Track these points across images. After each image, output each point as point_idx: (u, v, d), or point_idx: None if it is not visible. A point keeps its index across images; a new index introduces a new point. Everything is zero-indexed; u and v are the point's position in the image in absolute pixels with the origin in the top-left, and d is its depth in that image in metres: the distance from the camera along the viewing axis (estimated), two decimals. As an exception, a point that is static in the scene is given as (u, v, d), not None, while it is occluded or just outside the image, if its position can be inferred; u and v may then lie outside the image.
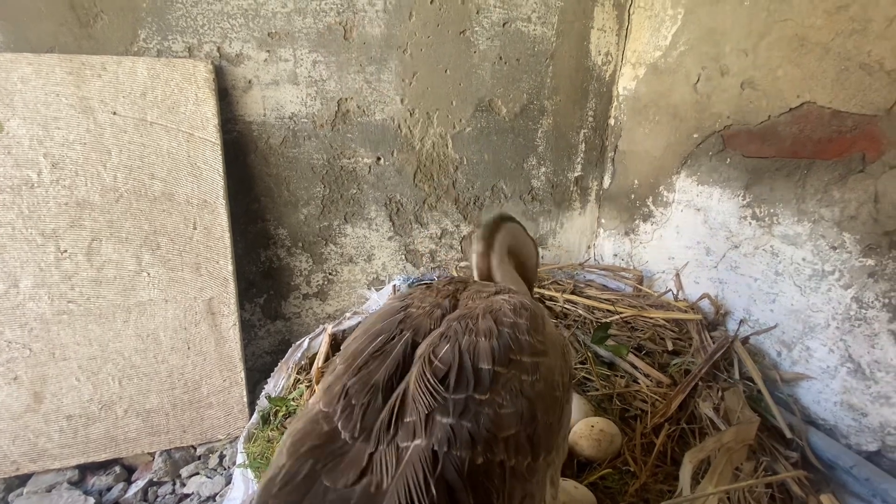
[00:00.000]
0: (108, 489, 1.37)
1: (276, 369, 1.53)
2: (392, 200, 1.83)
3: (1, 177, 1.28)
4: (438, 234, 1.94)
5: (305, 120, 1.63)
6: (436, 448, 0.55)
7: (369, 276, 1.88)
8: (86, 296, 1.36)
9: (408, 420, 0.59)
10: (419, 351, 0.68)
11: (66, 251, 1.34)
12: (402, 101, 1.73)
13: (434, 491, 0.51)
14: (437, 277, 1.90)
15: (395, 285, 1.76)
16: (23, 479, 1.36)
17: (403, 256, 1.92)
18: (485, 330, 0.69)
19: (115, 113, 1.36)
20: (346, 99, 1.66)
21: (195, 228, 1.45)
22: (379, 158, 1.76)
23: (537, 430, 0.63)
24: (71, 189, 1.33)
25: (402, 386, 0.63)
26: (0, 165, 1.28)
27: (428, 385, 0.61)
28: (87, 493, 1.34)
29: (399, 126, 1.75)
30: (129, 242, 1.39)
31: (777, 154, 1.40)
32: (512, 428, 0.60)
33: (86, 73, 1.33)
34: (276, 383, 1.50)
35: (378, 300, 1.75)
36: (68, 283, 1.35)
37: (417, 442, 0.56)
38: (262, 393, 1.45)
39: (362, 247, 1.83)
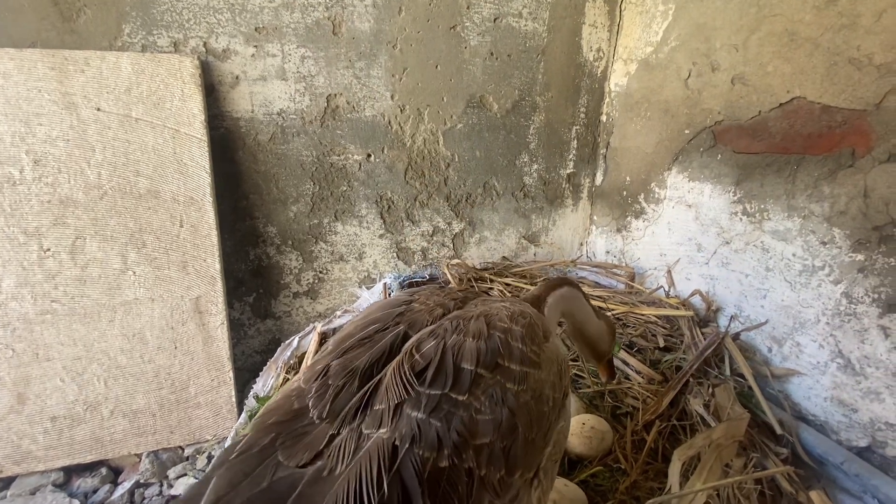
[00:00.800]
0: (94, 491, 1.35)
1: (264, 368, 1.51)
2: (383, 198, 1.81)
3: (-18, 174, 1.26)
4: (430, 231, 1.93)
5: (294, 116, 1.61)
6: (397, 443, 0.53)
7: (360, 275, 1.86)
8: (70, 295, 1.34)
9: (377, 408, 0.58)
10: (406, 345, 0.67)
11: (49, 250, 1.32)
12: (392, 97, 1.71)
13: (386, 488, 0.49)
14: (429, 276, 1.89)
15: (385, 283, 1.75)
16: (6, 482, 1.34)
17: (395, 254, 1.90)
18: (474, 331, 0.68)
19: (98, 109, 1.33)
20: (336, 95, 1.65)
21: (182, 226, 1.43)
22: (369, 155, 1.75)
23: (516, 443, 0.60)
24: (54, 186, 1.31)
25: (381, 375, 0.62)
26: (-19, 162, 1.26)
27: (403, 377, 0.60)
28: (72, 495, 1.32)
29: (389, 122, 1.74)
30: (115, 241, 1.37)
31: (767, 149, 1.40)
32: (487, 436, 0.58)
33: (69, 69, 1.30)
34: (264, 382, 1.48)
35: (369, 298, 1.74)
36: (52, 282, 1.32)
37: (381, 432, 0.55)
38: (251, 392, 1.44)
39: (353, 245, 1.82)
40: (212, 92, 1.50)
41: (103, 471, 1.39)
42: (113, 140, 1.35)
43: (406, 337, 0.69)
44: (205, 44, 1.47)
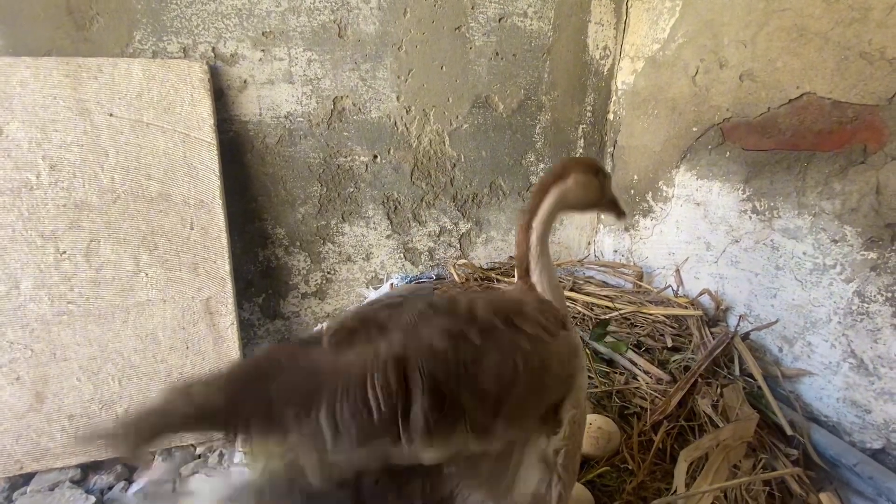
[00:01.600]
0: (110, 488, 1.38)
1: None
2: (389, 199, 1.82)
3: (1, 179, 1.30)
4: (437, 231, 1.94)
5: (301, 119, 1.63)
6: (409, 354, 0.55)
7: (368, 275, 1.88)
8: (85, 296, 1.37)
9: (391, 333, 0.60)
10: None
11: (65, 252, 1.36)
12: (398, 98, 1.72)
13: (393, 380, 0.52)
14: (436, 276, 1.90)
15: (393, 284, 1.76)
16: (26, 478, 1.38)
17: (402, 255, 1.92)
18: (488, 296, 0.70)
19: (111, 114, 1.37)
20: (342, 97, 1.66)
21: (192, 228, 1.45)
22: (376, 156, 1.76)
23: (510, 396, 0.60)
24: (69, 191, 1.35)
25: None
26: (0, 168, 1.29)
27: (420, 310, 0.63)
28: (88, 491, 1.35)
29: (395, 123, 1.75)
30: (127, 243, 1.40)
31: (777, 146, 1.38)
32: (486, 382, 0.58)
33: (82, 76, 1.34)
34: (274, 382, 1.50)
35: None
36: (68, 283, 1.36)
37: (393, 336, 0.58)
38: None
39: (360, 245, 1.83)
40: (221, 96, 1.52)
41: (118, 468, 1.42)
42: (125, 145, 1.38)
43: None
44: (213, 49, 1.49)
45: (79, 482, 1.39)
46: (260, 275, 1.73)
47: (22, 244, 1.32)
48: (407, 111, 1.75)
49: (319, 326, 1.66)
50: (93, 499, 1.32)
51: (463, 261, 1.93)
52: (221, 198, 1.47)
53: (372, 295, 1.75)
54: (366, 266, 1.87)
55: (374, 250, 1.86)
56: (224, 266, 1.48)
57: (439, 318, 0.62)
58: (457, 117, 1.81)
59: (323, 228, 1.76)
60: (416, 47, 1.69)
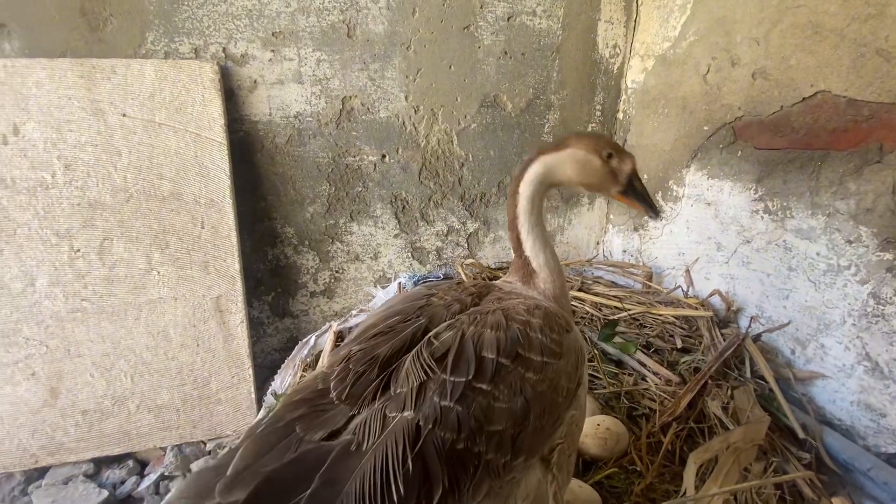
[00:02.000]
0: (122, 482, 1.40)
1: (282, 366, 1.55)
2: (398, 198, 1.83)
3: (17, 178, 1.32)
4: (445, 231, 1.94)
5: (310, 119, 1.64)
6: (420, 423, 0.56)
7: (376, 274, 1.88)
8: (98, 294, 1.40)
9: (398, 391, 0.60)
10: (426, 337, 0.69)
11: (79, 250, 1.38)
12: (406, 98, 1.73)
13: (410, 464, 0.53)
14: (444, 276, 1.90)
15: (400, 283, 1.77)
16: (41, 472, 1.41)
17: (410, 254, 1.92)
18: (493, 322, 0.69)
19: (124, 115, 1.39)
20: (351, 97, 1.67)
21: (203, 227, 1.47)
22: (384, 156, 1.76)
23: (525, 431, 0.62)
24: (83, 190, 1.37)
25: (399, 363, 0.65)
26: (17, 168, 1.32)
27: (423, 363, 0.62)
28: (101, 486, 1.37)
29: (404, 123, 1.75)
30: (140, 242, 1.42)
31: (790, 146, 1.36)
32: (501, 424, 0.60)
33: (96, 77, 1.36)
34: (282, 380, 1.52)
35: (384, 297, 1.76)
36: (82, 281, 1.38)
37: (405, 414, 0.58)
38: (269, 389, 1.47)
39: (368, 245, 1.84)
40: (231, 96, 1.54)
41: (130, 463, 1.45)
42: (138, 144, 1.40)
43: (427, 329, 0.71)
44: (224, 49, 1.51)
45: (92, 476, 1.41)
46: (269, 273, 1.74)
47: (38, 242, 1.35)
48: (415, 111, 1.75)
49: (328, 325, 1.66)
50: (105, 493, 1.34)
51: (471, 260, 1.92)
52: (232, 197, 1.48)
53: (380, 294, 1.76)
54: (374, 265, 1.87)
55: (381, 249, 1.87)
56: (234, 264, 1.50)
57: (445, 372, 0.62)
58: (465, 117, 1.81)
59: (331, 227, 1.77)
60: (425, 47, 1.69)
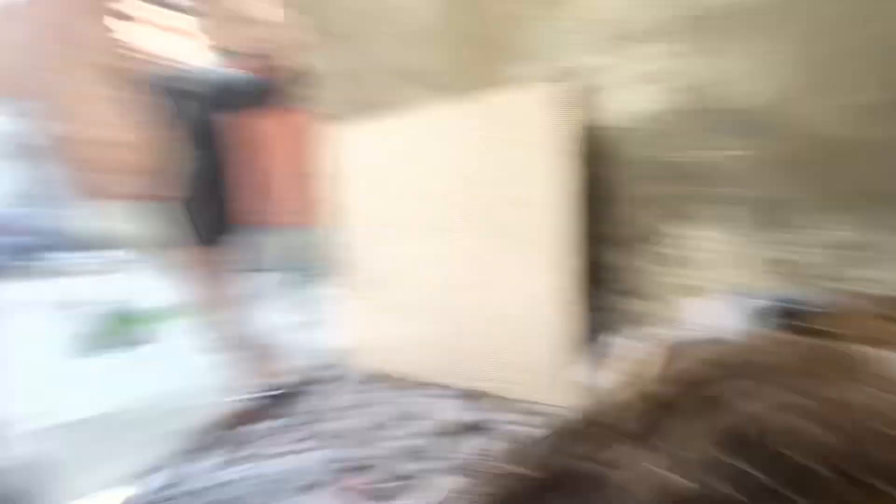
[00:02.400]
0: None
1: (597, 363, 1.62)
2: (752, 198, 1.50)
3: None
4: (828, 242, 1.46)
5: (655, 118, 1.57)
6: None
7: (707, 285, 1.64)
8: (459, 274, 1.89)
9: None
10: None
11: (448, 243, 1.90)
12: (770, 79, 1.37)
13: None
14: (813, 302, 1.45)
15: (739, 301, 1.48)
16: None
17: (764, 268, 1.56)
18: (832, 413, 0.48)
19: (481, 136, 1.76)
20: (699, 88, 1.48)
21: (545, 229, 1.69)
22: (742, 150, 1.49)
23: None
24: (452, 195, 1.86)
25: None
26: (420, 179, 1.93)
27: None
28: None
29: (769, 109, 1.41)
30: (490, 240, 1.80)
31: None
32: None
33: (467, 108, 1.78)
34: (595, 376, 1.60)
35: (715, 313, 1.52)
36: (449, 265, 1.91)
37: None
38: (584, 383, 1.59)
39: (703, 250, 1.62)
40: (576, 107, 1.65)
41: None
42: (492, 161, 1.75)
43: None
44: (566, 65, 1.64)
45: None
46: (595, 271, 1.81)
47: (418, 236, 1.96)
48: (785, 92, 1.37)
49: (655, 331, 1.60)
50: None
51: (857, 289, 1.38)
52: (573, 202, 1.64)
53: (704, 312, 1.53)
54: (702, 274, 1.64)
55: (720, 257, 1.60)
56: (571, 262, 1.67)
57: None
58: (862, 88, 1.27)
59: (660, 230, 1.66)
60: (797, 15, 1.28)
